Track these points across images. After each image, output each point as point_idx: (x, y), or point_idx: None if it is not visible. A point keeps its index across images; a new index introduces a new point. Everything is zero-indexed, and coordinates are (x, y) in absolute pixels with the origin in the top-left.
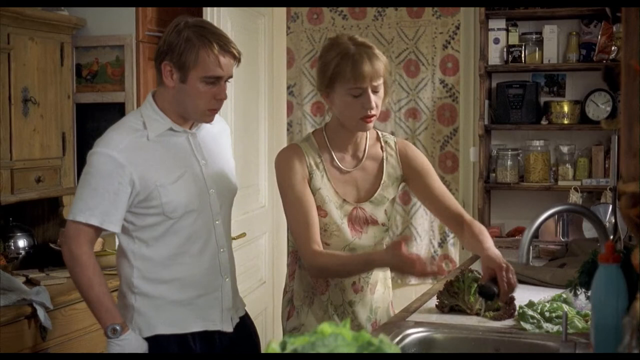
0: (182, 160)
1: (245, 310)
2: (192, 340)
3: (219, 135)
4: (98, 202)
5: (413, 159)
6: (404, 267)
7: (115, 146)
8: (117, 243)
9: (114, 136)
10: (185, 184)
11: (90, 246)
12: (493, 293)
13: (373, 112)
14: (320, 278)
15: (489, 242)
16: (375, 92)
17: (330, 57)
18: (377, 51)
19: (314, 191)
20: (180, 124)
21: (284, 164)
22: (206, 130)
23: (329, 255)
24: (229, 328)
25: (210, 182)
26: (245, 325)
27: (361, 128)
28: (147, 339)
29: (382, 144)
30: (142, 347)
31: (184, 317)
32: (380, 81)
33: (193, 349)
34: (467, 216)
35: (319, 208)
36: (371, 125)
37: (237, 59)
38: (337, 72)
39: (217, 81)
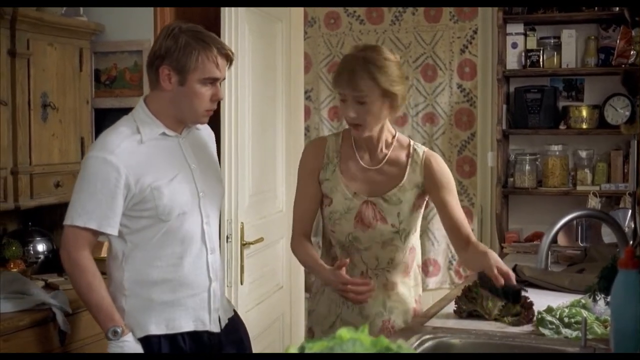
0: (174, 163)
1: (235, 311)
2: (182, 340)
3: (207, 140)
4: (95, 205)
5: (436, 172)
6: (337, 289)
7: (110, 150)
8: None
9: (108, 140)
10: (178, 186)
11: (89, 250)
12: (519, 291)
13: (355, 121)
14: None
15: (494, 254)
16: (359, 102)
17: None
18: (377, 69)
19: (322, 181)
20: (173, 129)
21: (302, 157)
22: (196, 136)
23: (303, 252)
24: (217, 329)
25: (200, 185)
26: (235, 326)
27: (352, 131)
28: (139, 340)
29: (411, 150)
30: (141, 349)
31: (174, 317)
32: (365, 95)
33: (183, 348)
34: (475, 238)
35: (325, 196)
36: (359, 133)
37: (231, 61)
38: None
39: (214, 82)
